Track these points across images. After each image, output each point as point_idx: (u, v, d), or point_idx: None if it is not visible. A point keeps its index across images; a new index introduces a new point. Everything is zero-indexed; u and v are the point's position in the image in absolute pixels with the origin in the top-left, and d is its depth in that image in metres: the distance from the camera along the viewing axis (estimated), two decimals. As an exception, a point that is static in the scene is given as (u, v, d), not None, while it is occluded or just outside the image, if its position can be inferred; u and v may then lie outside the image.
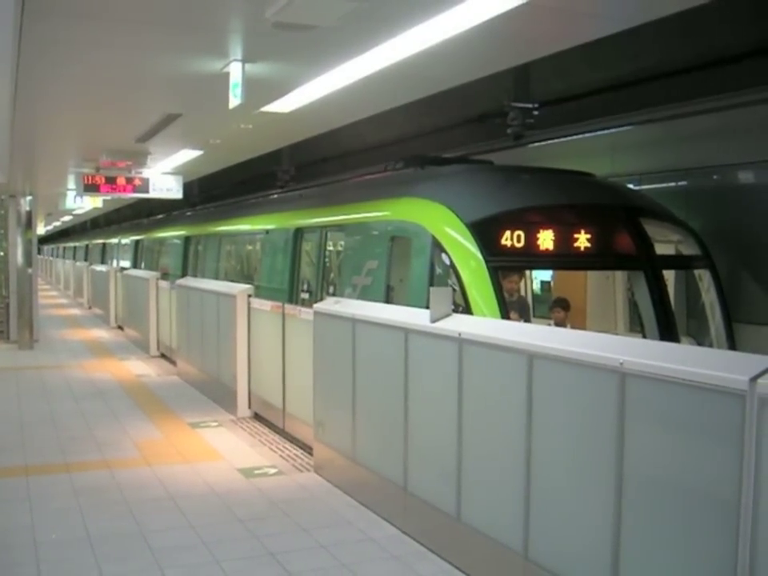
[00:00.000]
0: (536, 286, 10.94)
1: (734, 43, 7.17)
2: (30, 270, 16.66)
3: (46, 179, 15.51)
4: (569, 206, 7.53)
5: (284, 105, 7.63)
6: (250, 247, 13.58)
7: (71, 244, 43.85)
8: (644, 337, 7.29)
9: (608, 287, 9.13)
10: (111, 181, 11.87)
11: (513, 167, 8.77)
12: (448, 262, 7.03)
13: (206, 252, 15.82)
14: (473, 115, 10.05)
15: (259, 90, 6.83)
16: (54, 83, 7.14)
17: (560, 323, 8.03)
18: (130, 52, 6.08)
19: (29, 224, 16.80)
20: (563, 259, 7.37)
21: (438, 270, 7.25)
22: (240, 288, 10.20)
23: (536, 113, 9.10)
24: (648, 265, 7.37)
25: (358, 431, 6.60)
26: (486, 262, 6.81)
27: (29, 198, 16.73)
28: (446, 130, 10.90)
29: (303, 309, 8.25)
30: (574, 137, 9.50)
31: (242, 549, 5.51)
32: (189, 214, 19.98)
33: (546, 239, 7.07)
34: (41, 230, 28.96)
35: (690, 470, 3.52)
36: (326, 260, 9.92)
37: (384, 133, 11.85)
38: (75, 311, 25.78)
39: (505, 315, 6.71)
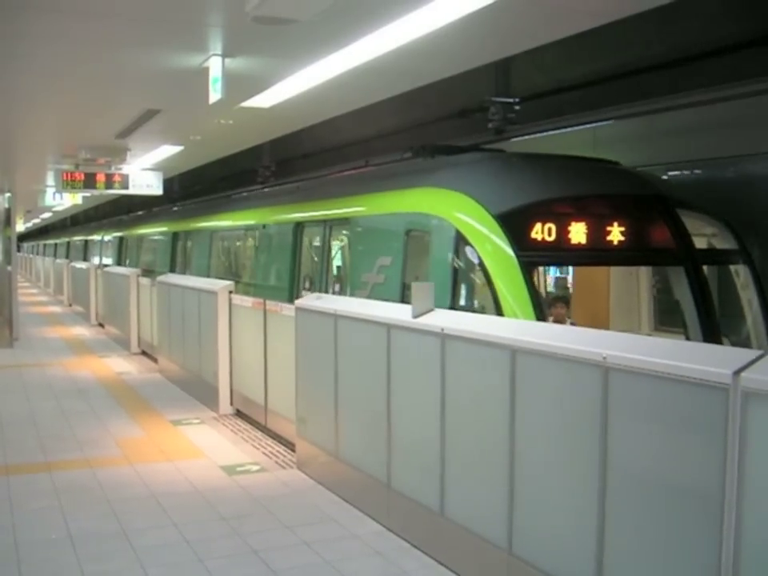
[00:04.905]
0: (551, 285, 10.56)
1: (713, 37, 7.19)
2: (9, 268, 16.56)
3: (24, 176, 15.39)
4: (602, 197, 6.97)
5: (264, 100, 7.59)
6: (244, 243, 13.04)
7: (51, 241, 43.51)
8: (687, 338, 6.76)
9: (632, 284, 8.51)
10: (90, 177, 11.79)
11: (532, 154, 8.15)
12: (475, 259, 6.45)
13: (195, 249, 15.14)
14: (454, 110, 10.04)
15: (239, 85, 6.79)
16: (30, 79, 7.05)
17: (560, 320, 7.66)
18: (107, 47, 6.01)
19: (8, 221, 16.69)
20: (599, 254, 6.76)
21: (464, 267, 6.68)
22: (221, 284, 10.13)
23: (517, 107, 9.09)
24: (689, 259, 6.83)
25: (340, 427, 6.58)
26: (518, 257, 6.21)
27: (7, 194, 16.61)
28: (427, 125, 10.88)
29: (285, 305, 8.19)
30: (556, 131, 9.49)
31: (225, 547, 5.48)
32: (176, 209, 19.55)
33: (579, 232, 6.54)
34: (20, 227, 28.71)
35: (674, 464, 3.52)
36: (331, 257, 9.33)
37: (365, 128, 11.82)
38: (55, 309, 25.59)
39: (539, 315, 6.09)
